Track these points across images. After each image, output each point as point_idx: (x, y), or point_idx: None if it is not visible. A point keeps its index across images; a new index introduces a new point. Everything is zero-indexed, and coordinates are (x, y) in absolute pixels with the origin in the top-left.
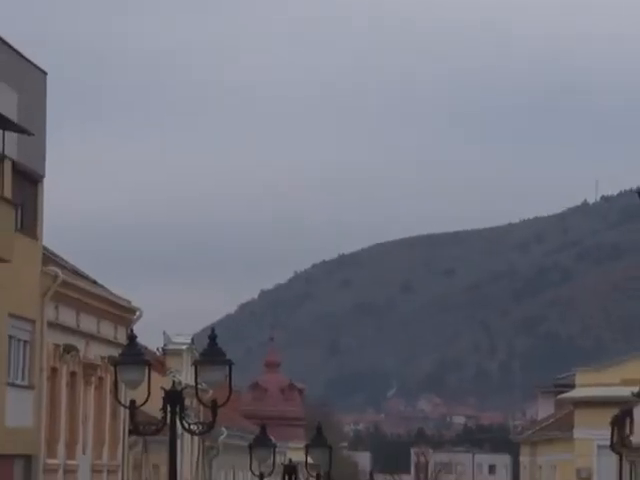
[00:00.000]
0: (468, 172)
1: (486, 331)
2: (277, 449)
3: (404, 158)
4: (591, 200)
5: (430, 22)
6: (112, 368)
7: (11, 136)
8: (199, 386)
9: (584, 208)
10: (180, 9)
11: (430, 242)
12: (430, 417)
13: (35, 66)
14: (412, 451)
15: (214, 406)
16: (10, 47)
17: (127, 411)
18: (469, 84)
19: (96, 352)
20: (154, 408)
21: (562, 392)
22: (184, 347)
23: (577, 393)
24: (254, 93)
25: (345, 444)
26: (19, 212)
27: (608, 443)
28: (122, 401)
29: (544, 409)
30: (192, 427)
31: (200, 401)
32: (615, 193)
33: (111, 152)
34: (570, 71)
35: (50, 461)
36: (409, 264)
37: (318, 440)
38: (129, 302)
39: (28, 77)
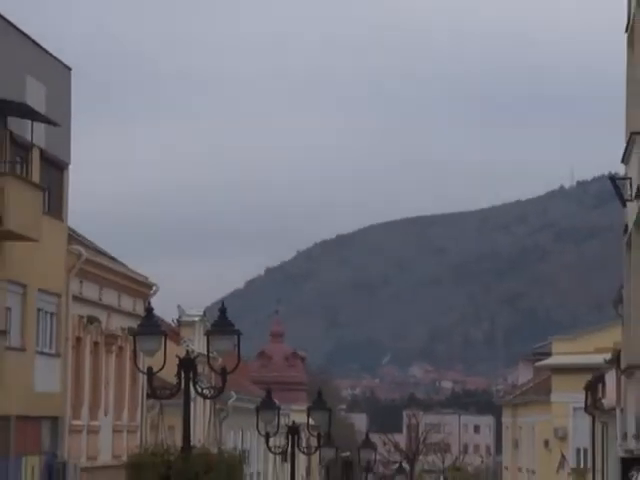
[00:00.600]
0: (455, 158)
1: (472, 305)
2: (281, 411)
3: (397, 146)
4: (567, 185)
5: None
6: (131, 338)
7: (39, 126)
8: (210, 354)
9: (561, 192)
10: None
11: (421, 223)
12: (421, 382)
13: (60, 62)
14: (404, 413)
15: (224, 372)
16: (38, 45)
17: (145, 377)
18: (456, 72)
19: (117, 323)
20: (169, 374)
21: (540, 360)
22: (197, 319)
23: (554, 360)
24: (253, 85)
25: (343, 407)
26: (46, 196)
27: (582, 406)
28: (140, 368)
29: (524, 375)
30: (204, 391)
31: (211, 368)
32: (589, 178)
33: (126, 144)
34: (542, 60)
35: (75, 422)
36: (402, 244)
37: (318, 403)
38: (146, 278)
39: (54, 72)
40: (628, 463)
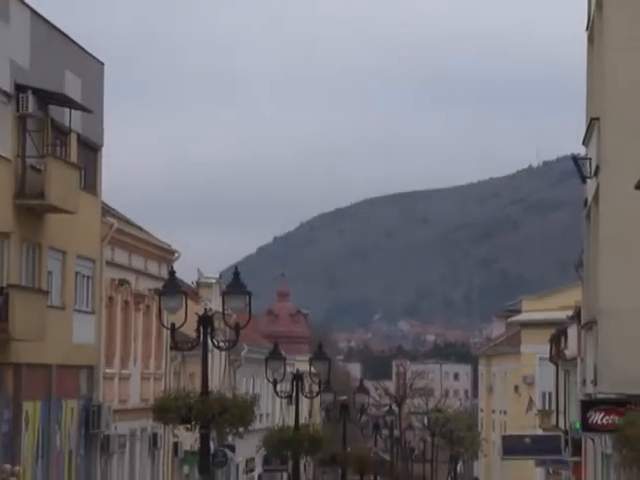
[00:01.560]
0: (438, 140)
1: (452, 268)
2: (287, 361)
3: (389, 129)
4: (535, 164)
5: None
6: (157, 297)
7: (76, 114)
8: (225, 312)
9: (529, 171)
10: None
11: (408, 198)
12: (407, 336)
13: (95, 58)
14: (393, 363)
15: (237, 327)
16: (76, 44)
17: (168, 332)
18: (438, 55)
19: (144, 285)
20: (190, 329)
21: (511, 316)
22: (213, 281)
23: (523, 317)
24: (261, 76)
25: (340, 357)
26: (83, 174)
27: (547, 356)
28: (164, 324)
29: (497, 329)
30: (220, 344)
31: (226, 324)
32: (554, 158)
33: (151, 127)
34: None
35: (108, 370)
36: (391, 215)
37: (319, 354)
38: (169, 245)
39: (89, 67)
40: (587, 405)
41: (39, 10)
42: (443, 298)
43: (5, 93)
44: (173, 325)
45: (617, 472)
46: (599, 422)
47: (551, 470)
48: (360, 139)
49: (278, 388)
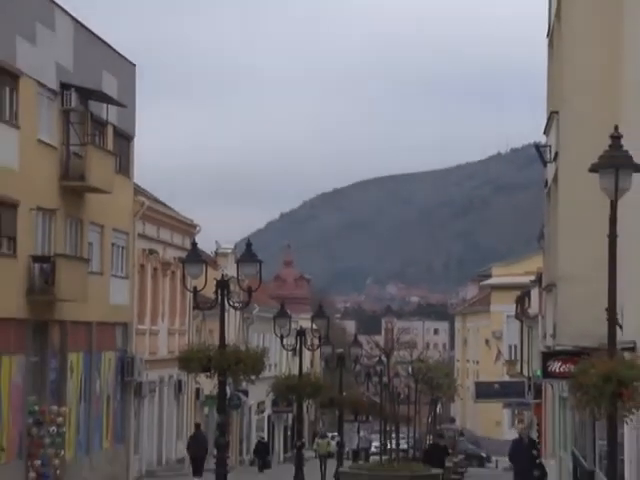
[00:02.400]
0: (420, 128)
1: (433, 240)
2: (291, 319)
3: (377, 117)
4: (503, 151)
5: None
6: (181, 265)
7: (112, 108)
8: (239, 277)
9: (499, 157)
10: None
11: (395, 180)
12: (395, 298)
13: (127, 60)
14: (383, 320)
15: (249, 291)
16: (111, 47)
17: (191, 294)
18: (422, 50)
19: (170, 254)
20: (209, 292)
21: (483, 280)
22: (229, 251)
23: (493, 281)
24: (265, 74)
25: (338, 316)
26: (118, 160)
27: (513, 314)
28: (188, 287)
29: (471, 292)
30: (235, 304)
31: (240, 287)
32: (520, 146)
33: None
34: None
35: (140, 327)
36: (381, 195)
37: (319, 313)
38: (191, 220)
39: (123, 68)
40: (547, 356)
41: (80, 19)
42: (425, 265)
43: (52, 91)
44: (195, 288)
45: (571, 412)
46: (557, 370)
47: (516, 411)
48: (356, 129)
49: (284, 342)
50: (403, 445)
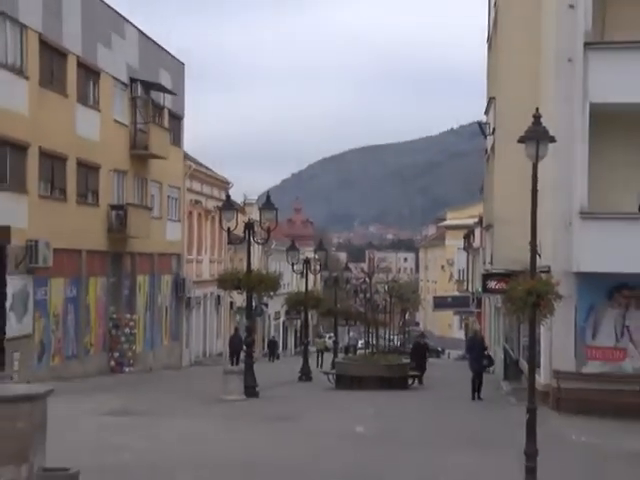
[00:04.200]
0: (395, 110)
1: (403, 193)
2: (299, 252)
3: (365, 101)
4: (455, 127)
5: None
6: (218, 212)
7: (167, 96)
8: (261, 221)
9: (451, 131)
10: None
11: (375, 149)
12: (375, 235)
13: (178, 60)
14: (366, 252)
15: (268, 230)
16: (166, 51)
17: (226, 233)
18: (391, 42)
19: (211, 204)
20: (239, 231)
21: (440, 222)
22: (254, 201)
23: (447, 222)
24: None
25: (333, 249)
26: (171, 134)
27: (462, 246)
28: (223, 228)
29: (431, 230)
30: (258, 241)
31: (262, 228)
32: (467, 123)
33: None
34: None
35: (189, 257)
36: (365, 160)
37: (320, 247)
38: (226, 178)
39: (175, 66)
40: (486, 277)
41: (143, 29)
42: (397, 212)
43: (123, 83)
44: (229, 229)
45: (503, 318)
46: (493, 287)
47: (463, 317)
48: (349, 110)
49: (294, 268)
50: (389, 342)
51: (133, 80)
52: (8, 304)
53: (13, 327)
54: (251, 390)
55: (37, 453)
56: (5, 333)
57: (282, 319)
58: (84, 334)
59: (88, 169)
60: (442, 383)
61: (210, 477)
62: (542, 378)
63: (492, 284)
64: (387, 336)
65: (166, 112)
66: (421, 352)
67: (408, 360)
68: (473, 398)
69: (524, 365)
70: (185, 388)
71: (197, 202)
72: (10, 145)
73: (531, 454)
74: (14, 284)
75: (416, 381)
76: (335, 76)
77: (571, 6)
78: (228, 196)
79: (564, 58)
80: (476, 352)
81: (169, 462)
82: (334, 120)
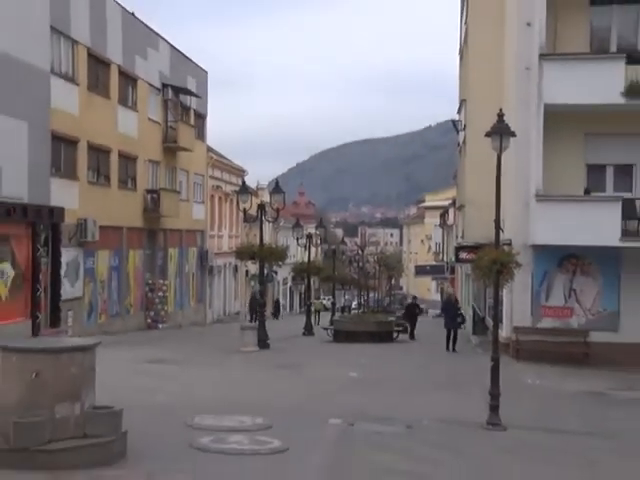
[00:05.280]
0: (385, 110)
1: (390, 179)
2: (303, 229)
3: (359, 101)
4: (433, 124)
5: None
6: (236, 195)
7: (193, 99)
8: (271, 202)
9: (430, 128)
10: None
11: (367, 142)
12: (366, 214)
13: (202, 68)
14: (359, 228)
15: (277, 211)
16: (191, 61)
17: (242, 213)
18: (381, 58)
19: (229, 188)
20: (253, 211)
21: (420, 203)
22: (265, 186)
23: (426, 204)
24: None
25: (332, 226)
26: (196, 131)
27: (439, 223)
28: (240, 208)
29: (413, 211)
30: (268, 219)
31: (272, 208)
32: (443, 120)
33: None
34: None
35: (211, 232)
36: (359, 151)
37: (320, 224)
38: (242, 167)
39: (200, 73)
40: (458, 249)
41: (173, 42)
42: (385, 195)
43: (157, 88)
44: (244, 209)
45: (472, 283)
46: (464, 257)
47: (439, 282)
48: (347, 110)
49: (299, 242)
50: (378, 303)
51: (165, 85)
52: (63, 272)
53: (67, 291)
54: (263, 343)
55: (87, 394)
56: (61, 295)
57: (289, 284)
58: (125, 296)
59: (127, 160)
60: (422, 337)
61: (230, 411)
62: (504, 332)
63: (463, 255)
64: (376, 298)
65: (192, 112)
66: (413, 312)
67: (394, 318)
68: (447, 349)
69: (489, 322)
70: (209, 341)
71: (218, 187)
72: (63, 140)
73: (494, 394)
74: (67, 255)
75: (402, 335)
76: (332, 80)
77: (528, 24)
78: (244, 182)
79: (523, 67)
80: (451, 312)
81: (196, 401)
82: (332, 118)
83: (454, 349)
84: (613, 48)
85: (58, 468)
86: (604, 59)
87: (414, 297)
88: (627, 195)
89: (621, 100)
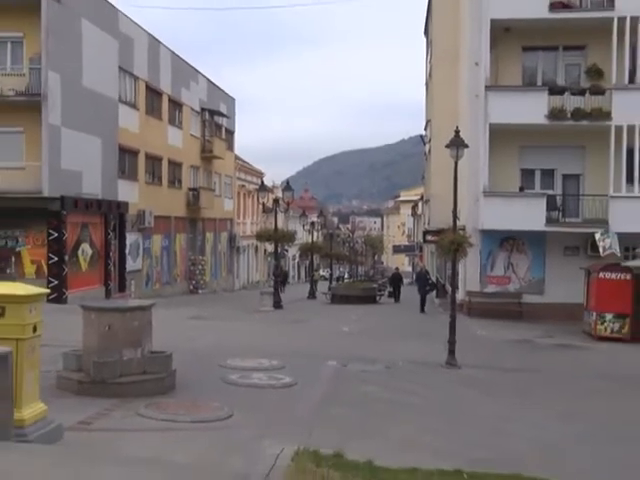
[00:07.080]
0: (369, 127)
1: (373, 180)
2: (307, 217)
3: (352, 120)
4: (406, 138)
5: None
6: (256, 192)
7: (224, 119)
8: (284, 198)
9: (403, 141)
10: None
11: (357, 152)
12: (356, 206)
13: (230, 96)
14: (350, 217)
15: (288, 204)
16: (223, 91)
17: (261, 205)
18: (372, 82)
19: (252, 187)
20: (269, 204)
21: (397, 198)
22: (279, 185)
23: (401, 198)
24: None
25: (330, 215)
26: (227, 143)
27: (411, 213)
28: (260, 202)
29: (391, 204)
30: (281, 210)
31: (284, 202)
32: (414, 135)
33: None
34: None
35: (238, 220)
36: (351, 158)
37: (321, 214)
38: (261, 171)
39: (229, 100)
40: (425, 233)
41: (209, 76)
42: (370, 191)
43: (196, 112)
44: (263, 203)
45: (436, 259)
46: (430, 239)
47: (411, 258)
48: (344, 125)
49: (305, 228)
50: (364, 274)
51: (203, 109)
52: (127, 250)
53: (130, 265)
54: (277, 304)
55: (146, 341)
56: (126, 268)
57: (297, 260)
58: (173, 269)
59: (175, 165)
60: (403, 300)
61: (253, 354)
62: (460, 295)
63: (429, 237)
64: (363, 270)
65: (223, 129)
66: (397, 280)
67: (376, 285)
68: (421, 311)
69: (448, 288)
70: (236, 303)
71: (242, 186)
72: (127, 151)
73: (452, 342)
74: (130, 238)
75: (387, 299)
76: (331, 102)
77: (476, 63)
78: (262, 182)
79: (473, 95)
80: (422, 282)
81: (226, 347)
82: (331, 132)
83: (423, 310)
84: (539, 82)
85: (126, 396)
86: (533, 90)
87: (396, 268)
88: (550, 192)
89: (545, 121)
